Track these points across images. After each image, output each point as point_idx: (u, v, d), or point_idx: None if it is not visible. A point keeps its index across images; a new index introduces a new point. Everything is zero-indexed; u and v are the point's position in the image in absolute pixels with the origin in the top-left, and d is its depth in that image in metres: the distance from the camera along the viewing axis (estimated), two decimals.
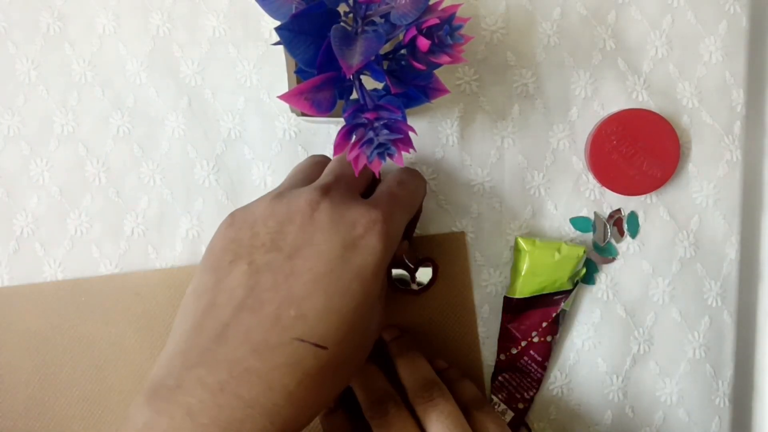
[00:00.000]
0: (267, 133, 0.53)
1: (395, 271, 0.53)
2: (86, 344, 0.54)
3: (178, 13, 0.53)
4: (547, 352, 0.53)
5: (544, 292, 0.52)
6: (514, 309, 0.53)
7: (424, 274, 0.53)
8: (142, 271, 0.53)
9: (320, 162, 0.47)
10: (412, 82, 0.41)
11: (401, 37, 0.39)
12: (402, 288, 0.53)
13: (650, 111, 0.52)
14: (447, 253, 0.54)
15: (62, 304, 0.54)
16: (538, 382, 0.53)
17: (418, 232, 0.53)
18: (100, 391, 0.54)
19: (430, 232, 0.54)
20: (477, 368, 0.54)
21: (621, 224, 0.54)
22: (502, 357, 0.53)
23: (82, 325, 0.54)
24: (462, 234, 0.54)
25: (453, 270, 0.54)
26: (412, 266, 0.53)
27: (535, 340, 0.53)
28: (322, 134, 0.53)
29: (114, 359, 0.54)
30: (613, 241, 0.54)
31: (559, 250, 0.51)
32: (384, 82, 0.39)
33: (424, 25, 0.37)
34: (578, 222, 0.54)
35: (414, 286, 0.53)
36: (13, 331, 0.53)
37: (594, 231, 0.54)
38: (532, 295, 0.52)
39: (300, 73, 0.42)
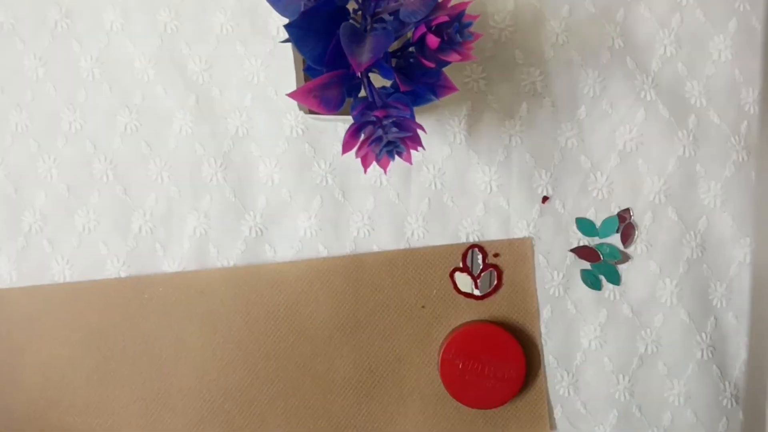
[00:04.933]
0: (274, 131, 0.53)
1: (459, 276, 0.54)
2: (147, 342, 0.54)
3: (186, 10, 0.53)
4: None
5: None
6: None
7: (487, 280, 0.54)
8: (205, 269, 0.54)
9: None
10: (421, 80, 0.41)
11: (410, 34, 0.39)
12: (465, 293, 0.54)
13: (478, 323, 0.53)
14: (512, 258, 0.54)
15: (124, 301, 0.54)
16: None
17: (479, 237, 0.54)
18: (160, 390, 0.54)
19: (431, 232, 0.54)
20: (537, 372, 0.54)
21: (630, 229, 0.54)
22: None
23: (143, 322, 0.54)
24: (528, 240, 0.53)
25: (517, 275, 0.54)
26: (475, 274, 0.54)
27: None
28: (330, 132, 0.53)
29: (175, 358, 0.54)
30: (613, 244, 0.54)
31: None
32: (393, 80, 0.39)
33: (434, 23, 0.37)
34: (582, 223, 0.54)
35: (477, 292, 0.54)
36: (75, 327, 0.54)
37: (598, 234, 0.54)
38: None
39: (308, 71, 0.42)
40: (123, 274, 0.54)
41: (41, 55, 0.53)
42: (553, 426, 0.55)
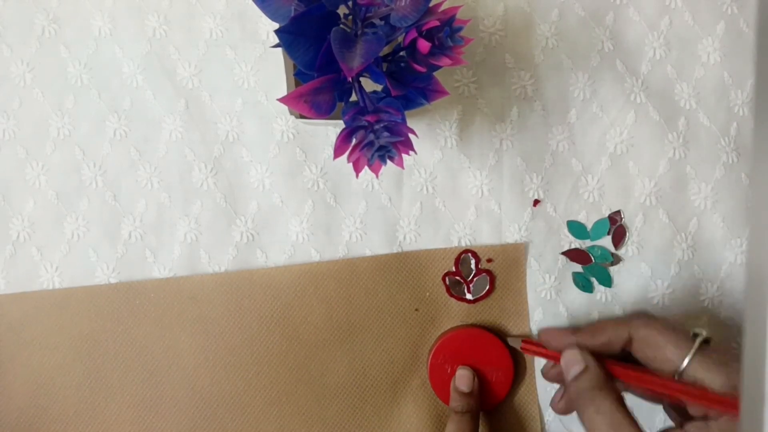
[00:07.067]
0: (265, 136, 0.53)
1: (451, 279, 0.54)
2: (139, 349, 0.53)
3: (175, 15, 0.53)
4: None
5: None
6: None
7: (479, 285, 0.54)
8: (198, 274, 0.53)
9: None
10: (412, 84, 0.41)
11: (401, 39, 0.39)
12: (457, 296, 0.54)
13: (464, 328, 0.53)
14: (505, 263, 0.54)
15: (115, 308, 0.53)
16: None
17: (471, 241, 0.54)
18: (152, 397, 0.53)
19: (423, 236, 0.53)
20: (528, 375, 0.54)
21: (621, 231, 0.54)
22: None
23: (135, 328, 0.53)
24: (521, 245, 0.53)
25: (509, 280, 0.54)
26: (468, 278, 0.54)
27: None
28: (321, 136, 0.53)
29: (167, 365, 0.53)
30: (605, 247, 0.54)
31: None
32: (384, 84, 0.39)
33: (425, 27, 0.37)
34: (573, 226, 0.54)
35: (469, 296, 0.54)
36: (66, 334, 0.53)
37: (590, 237, 0.54)
38: None
39: (299, 76, 0.42)
40: (113, 282, 0.53)
41: (29, 61, 0.53)
42: (543, 428, 0.55)
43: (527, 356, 0.54)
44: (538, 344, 0.50)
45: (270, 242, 0.53)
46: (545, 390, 0.54)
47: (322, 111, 0.39)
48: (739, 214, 0.54)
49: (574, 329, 0.49)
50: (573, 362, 0.46)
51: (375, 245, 0.54)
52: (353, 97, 0.40)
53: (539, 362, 0.54)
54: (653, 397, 0.46)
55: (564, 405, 0.49)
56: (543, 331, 0.50)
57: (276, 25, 0.37)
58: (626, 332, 0.46)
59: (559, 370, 0.48)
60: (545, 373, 0.51)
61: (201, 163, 0.53)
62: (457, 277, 0.53)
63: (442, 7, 0.38)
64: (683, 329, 0.45)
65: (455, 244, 0.54)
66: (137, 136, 0.53)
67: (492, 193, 0.53)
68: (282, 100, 0.38)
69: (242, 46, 0.53)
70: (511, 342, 0.52)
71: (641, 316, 0.47)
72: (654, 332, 0.44)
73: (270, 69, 0.53)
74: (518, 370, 0.54)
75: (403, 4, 0.37)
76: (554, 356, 0.48)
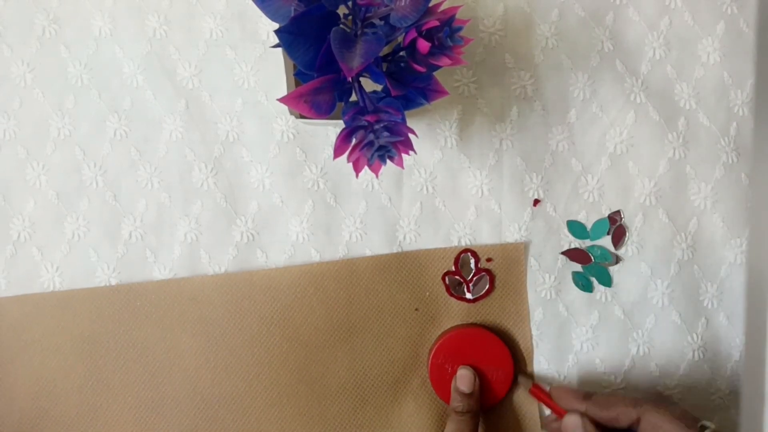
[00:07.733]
0: (265, 136, 0.53)
1: (450, 279, 0.54)
2: (140, 350, 0.53)
3: (175, 15, 0.53)
4: None
5: None
6: None
7: (479, 284, 0.54)
8: (198, 276, 0.53)
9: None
10: (412, 84, 0.41)
11: (401, 39, 0.39)
12: (457, 296, 0.54)
13: (464, 328, 0.53)
14: (504, 262, 0.54)
15: (117, 309, 0.53)
16: None
17: (471, 240, 0.54)
18: (153, 398, 0.53)
19: (423, 236, 0.53)
20: (528, 374, 0.55)
21: (621, 231, 0.54)
22: None
23: (136, 330, 0.53)
24: (520, 245, 0.54)
25: (509, 279, 0.54)
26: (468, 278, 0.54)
27: None
28: (321, 136, 0.53)
29: (168, 366, 0.53)
30: (605, 246, 0.54)
31: None
32: (384, 84, 0.39)
33: (425, 27, 0.37)
34: (573, 226, 0.54)
35: (469, 296, 0.54)
36: (67, 335, 0.53)
37: (589, 236, 0.54)
38: None
39: (299, 76, 0.42)
40: (113, 282, 0.53)
41: (29, 61, 0.53)
42: (544, 427, 0.55)
43: (527, 356, 0.54)
44: (546, 393, 0.52)
45: (270, 242, 0.53)
46: (545, 389, 0.54)
47: (322, 111, 0.39)
48: (739, 214, 0.54)
49: (587, 394, 0.50)
50: (574, 427, 0.48)
51: (375, 245, 0.54)
52: (353, 97, 0.40)
53: (539, 363, 0.54)
54: None
55: None
56: (556, 388, 0.52)
57: (276, 25, 0.37)
58: (636, 414, 0.47)
59: (560, 425, 0.50)
60: (546, 424, 0.53)
61: (201, 163, 0.53)
62: (457, 277, 0.53)
63: (442, 7, 0.38)
64: (692, 418, 0.46)
65: (455, 243, 0.54)
66: (137, 136, 0.53)
67: (492, 192, 0.53)
68: (282, 100, 0.38)
69: (242, 46, 0.53)
70: (521, 381, 0.53)
71: (653, 401, 0.49)
72: (663, 420, 0.46)
73: (270, 69, 0.53)
74: (518, 370, 0.54)
75: (402, 4, 0.37)
76: (559, 411, 0.50)
